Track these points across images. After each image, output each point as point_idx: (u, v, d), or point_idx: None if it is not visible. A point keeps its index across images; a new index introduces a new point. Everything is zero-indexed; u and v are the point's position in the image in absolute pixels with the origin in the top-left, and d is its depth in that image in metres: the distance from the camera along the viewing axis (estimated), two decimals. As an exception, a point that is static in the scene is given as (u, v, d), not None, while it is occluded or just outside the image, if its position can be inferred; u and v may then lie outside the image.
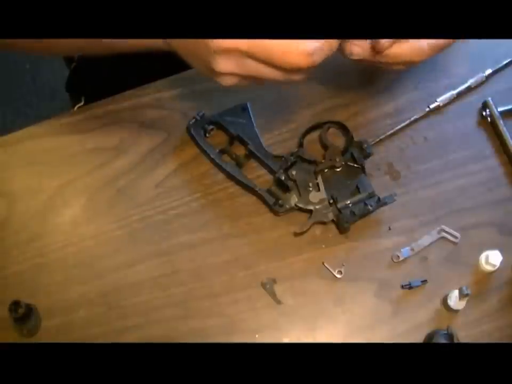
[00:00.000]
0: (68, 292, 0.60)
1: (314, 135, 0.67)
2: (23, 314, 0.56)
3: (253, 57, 0.48)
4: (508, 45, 0.71)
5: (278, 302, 0.60)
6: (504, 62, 0.71)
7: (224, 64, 0.49)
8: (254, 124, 0.65)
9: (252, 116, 0.65)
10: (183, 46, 0.52)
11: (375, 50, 0.53)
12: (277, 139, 0.67)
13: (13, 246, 0.62)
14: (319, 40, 0.48)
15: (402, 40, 0.53)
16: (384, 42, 0.52)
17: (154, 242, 0.62)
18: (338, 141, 0.66)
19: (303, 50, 0.47)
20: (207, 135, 0.66)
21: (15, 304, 0.56)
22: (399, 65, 0.56)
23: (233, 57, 0.49)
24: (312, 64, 0.48)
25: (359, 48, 0.53)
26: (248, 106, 0.66)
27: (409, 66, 0.56)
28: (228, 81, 0.52)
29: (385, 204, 0.62)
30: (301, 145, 0.65)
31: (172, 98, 0.69)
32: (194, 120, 0.65)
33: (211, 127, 0.66)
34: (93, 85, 0.85)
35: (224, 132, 0.66)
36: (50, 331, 0.59)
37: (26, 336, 0.58)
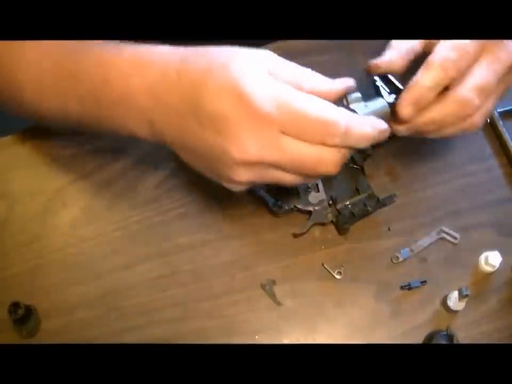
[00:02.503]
0: (67, 293, 0.60)
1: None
2: (23, 315, 0.56)
3: (279, 168, 0.45)
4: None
5: (278, 303, 0.60)
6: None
7: (243, 175, 0.45)
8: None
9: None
10: (179, 143, 0.47)
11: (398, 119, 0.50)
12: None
13: (12, 248, 0.62)
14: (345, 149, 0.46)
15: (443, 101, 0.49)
16: (402, 107, 0.49)
17: (154, 244, 0.62)
18: (337, 141, 0.66)
19: (335, 162, 0.45)
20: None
21: (15, 306, 0.56)
22: (449, 129, 0.51)
23: (256, 168, 0.44)
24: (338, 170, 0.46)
25: (402, 127, 0.51)
26: None
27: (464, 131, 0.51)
28: (240, 188, 0.48)
29: (384, 205, 0.62)
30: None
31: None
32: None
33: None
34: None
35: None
36: (50, 332, 0.59)
37: (25, 338, 0.58)
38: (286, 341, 0.59)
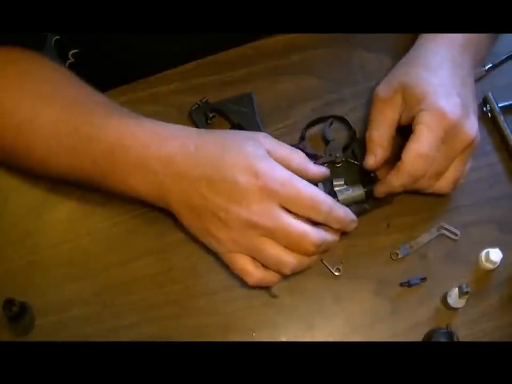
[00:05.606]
0: (61, 290, 0.60)
1: (315, 129, 0.66)
2: (17, 312, 0.55)
3: (269, 236, 0.52)
4: (507, 39, 0.70)
5: (273, 295, 0.59)
6: (504, 57, 0.70)
7: (235, 236, 0.53)
8: (256, 114, 0.64)
9: (254, 106, 0.65)
10: (184, 203, 0.54)
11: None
12: (275, 133, 0.66)
13: (6, 244, 0.61)
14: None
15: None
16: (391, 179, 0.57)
17: (150, 239, 0.62)
18: (340, 136, 0.66)
19: (316, 240, 0.52)
20: (208, 121, 0.65)
21: (9, 302, 0.55)
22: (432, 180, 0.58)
23: (251, 231, 0.52)
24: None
25: (383, 188, 0.59)
26: (252, 96, 0.65)
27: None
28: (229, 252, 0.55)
29: (382, 204, 0.61)
30: (302, 138, 0.65)
31: (168, 93, 0.68)
32: (196, 105, 0.65)
33: (213, 114, 0.65)
34: (88, 81, 0.84)
35: (225, 119, 0.65)
36: (44, 330, 0.58)
37: (19, 335, 0.58)
38: (283, 338, 0.58)
